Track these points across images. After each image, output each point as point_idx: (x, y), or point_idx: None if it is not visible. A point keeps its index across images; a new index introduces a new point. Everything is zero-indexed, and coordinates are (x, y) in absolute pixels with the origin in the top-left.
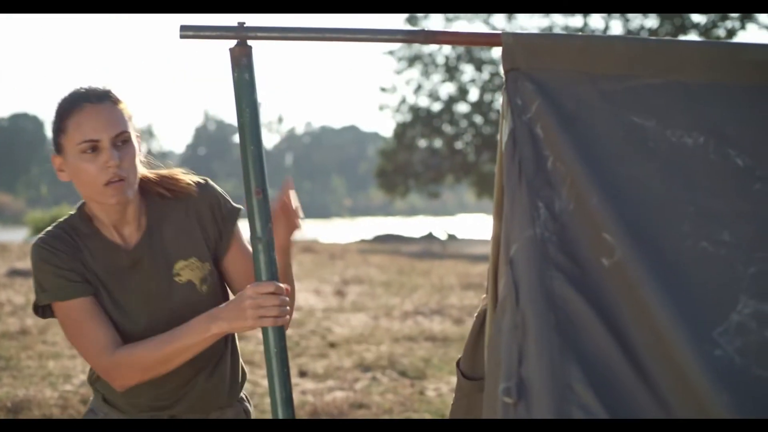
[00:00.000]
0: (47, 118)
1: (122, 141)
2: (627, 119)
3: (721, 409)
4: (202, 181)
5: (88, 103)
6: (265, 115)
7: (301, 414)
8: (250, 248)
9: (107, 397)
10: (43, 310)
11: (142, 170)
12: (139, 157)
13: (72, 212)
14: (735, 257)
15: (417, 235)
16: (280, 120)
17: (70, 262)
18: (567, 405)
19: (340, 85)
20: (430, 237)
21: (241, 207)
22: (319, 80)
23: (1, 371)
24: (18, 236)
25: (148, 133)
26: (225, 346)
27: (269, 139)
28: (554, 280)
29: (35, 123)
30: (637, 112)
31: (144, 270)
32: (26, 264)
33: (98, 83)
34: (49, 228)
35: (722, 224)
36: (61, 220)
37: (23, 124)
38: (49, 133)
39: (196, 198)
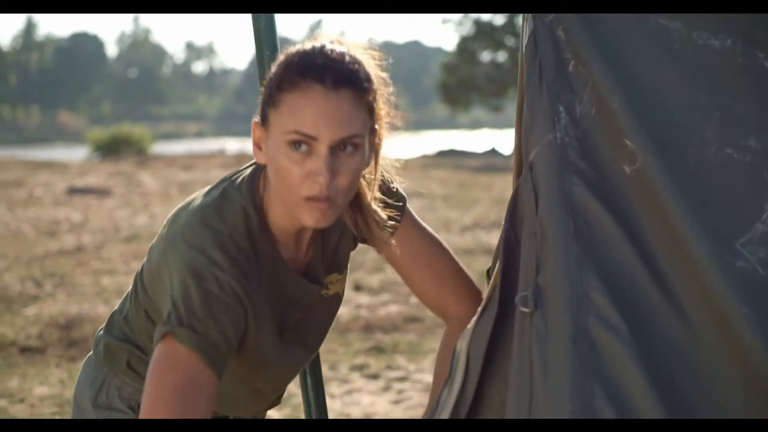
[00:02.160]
0: (107, 37)
1: (346, 147)
2: (651, 20)
3: (741, 321)
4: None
5: (320, 86)
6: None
7: (355, 327)
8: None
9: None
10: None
11: (361, 186)
12: (365, 169)
13: (242, 199)
14: (761, 164)
15: (479, 149)
16: (341, 36)
17: (238, 320)
18: (584, 315)
19: None
20: (493, 152)
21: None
22: None
23: (57, 288)
24: (78, 154)
25: (209, 50)
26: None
27: None
28: (574, 186)
29: (95, 42)
30: (662, 13)
31: (311, 302)
32: (84, 182)
33: (346, 47)
34: (220, 234)
35: (748, 129)
36: (232, 217)
37: (83, 43)
38: (109, 52)
39: None
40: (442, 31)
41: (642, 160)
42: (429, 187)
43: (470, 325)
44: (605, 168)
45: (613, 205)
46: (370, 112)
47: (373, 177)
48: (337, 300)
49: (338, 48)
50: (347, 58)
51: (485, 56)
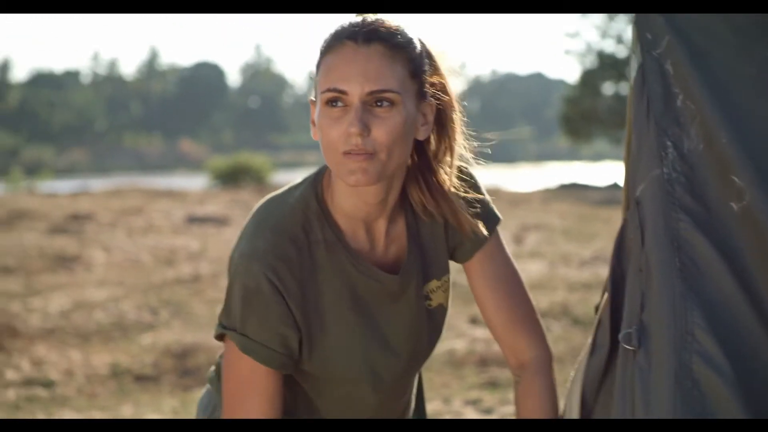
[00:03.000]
0: (228, 67)
1: (381, 102)
2: (760, 55)
3: None
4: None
5: (351, 42)
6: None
7: (469, 361)
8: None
9: None
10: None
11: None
12: (415, 133)
13: (304, 187)
14: None
15: (601, 183)
16: (463, 67)
17: (299, 305)
18: (687, 353)
19: (526, 31)
20: (614, 186)
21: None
22: (504, 27)
23: (172, 316)
24: (198, 183)
25: None
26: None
27: (453, 87)
28: (680, 222)
29: (216, 71)
30: None
31: (396, 297)
32: (203, 210)
33: (387, 17)
34: (272, 220)
35: None
36: (290, 203)
37: (205, 72)
38: (230, 81)
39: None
40: (564, 63)
41: (749, 197)
42: (549, 220)
43: (581, 362)
44: (712, 204)
45: (720, 241)
46: (413, 74)
47: (447, 161)
48: (442, 312)
49: (382, 18)
50: (386, 24)
51: (608, 88)
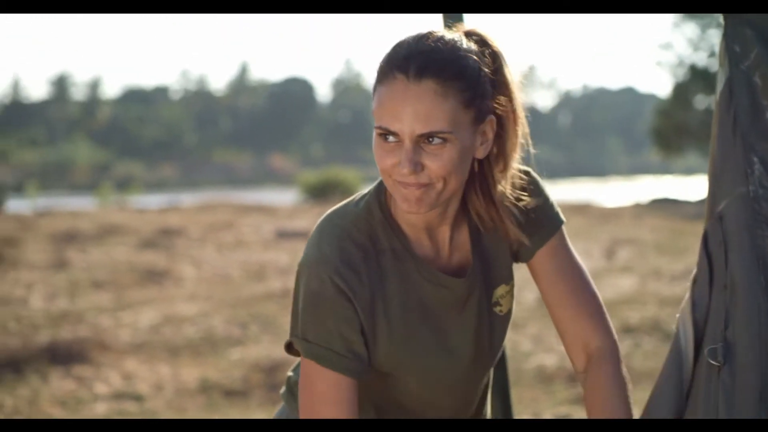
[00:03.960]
0: (316, 82)
1: (432, 139)
2: None
3: None
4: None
5: (402, 76)
6: (540, 77)
7: (559, 376)
8: (572, 277)
9: None
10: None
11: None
12: (474, 153)
13: (366, 205)
14: None
15: (693, 198)
16: (553, 81)
17: (366, 309)
18: None
19: (617, 45)
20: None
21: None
22: (595, 40)
23: (261, 331)
24: (288, 197)
25: None
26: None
27: (544, 100)
28: (767, 240)
29: (305, 86)
30: None
31: (469, 305)
32: (293, 225)
33: (442, 36)
34: (337, 228)
35: None
36: (354, 211)
37: (295, 87)
38: (319, 96)
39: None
40: (656, 78)
41: None
42: (640, 234)
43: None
44: None
45: None
46: (468, 102)
47: (502, 171)
48: (508, 318)
49: (441, 36)
50: (443, 47)
51: (700, 101)
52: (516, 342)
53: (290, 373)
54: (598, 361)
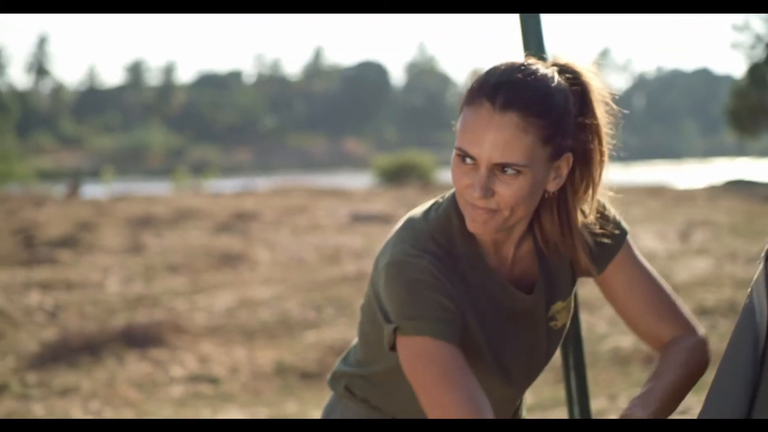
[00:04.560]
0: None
1: (506, 170)
2: None
3: None
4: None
5: (488, 104)
6: (614, 59)
7: (636, 359)
8: (642, 281)
9: (372, 401)
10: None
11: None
12: (545, 186)
13: (443, 211)
14: None
15: None
16: (628, 63)
17: (454, 296)
18: None
19: (691, 27)
20: None
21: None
22: (669, 22)
23: (336, 314)
24: (362, 181)
25: None
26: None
27: (618, 83)
28: None
29: (379, 70)
30: None
31: (531, 320)
32: (367, 208)
33: (549, 71)
34: (419, 232)
35: None
36: (428, 224)
37: (369, 71)
38: (393, 80)
39: None
40: (731, 59)
41: None
42: (716, 216)
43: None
44: None
45: None
46: (547, 139)
47: (587, 200)
48: (563, 331)
49: (534, 69)
50: (533, 82)
51: None
52: (592, 324)
53: (345, 368)
54: (673, 341)
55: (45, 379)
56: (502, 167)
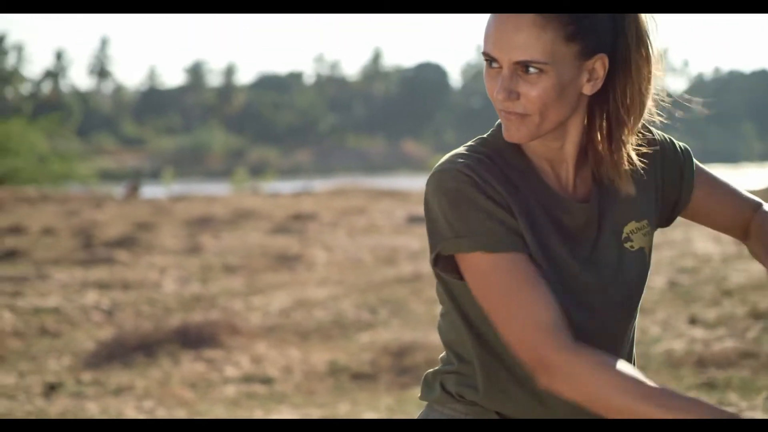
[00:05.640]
0: (449, 67)
1: (528, 69)
2: None
3: None
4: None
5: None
6: (672, 61)
7: (687, 362)
8: (714, 180)
9: (462, 392)
10: (444, 262)
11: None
12: (580, 89)
13: (485, 136)
14: None
15: None
16: (686, 64)
17: (505, 200)
18: None
19: (750, 27)
20: None
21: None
22: (726, 22)
23: (391, 315)
24: (419, 183)
25: None
26: None
27: (676, 84)
28: None
29: (438, 72)
30: None
31: (593, 233)
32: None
33: None
34: (461, 150)
35: None
36: (474, 142)
37: (427, 72)
38: (452, 81)
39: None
40: None
41: None
42: None
43: None
44: None
45: None
46: (570, 37)
47: (633, 112)
48: (644, 260)
49: None
50: None
51: None
52: (644, 327)
53: (443, 373)
54: (755, 217)
55: (100, 378)
56: (524, 67)
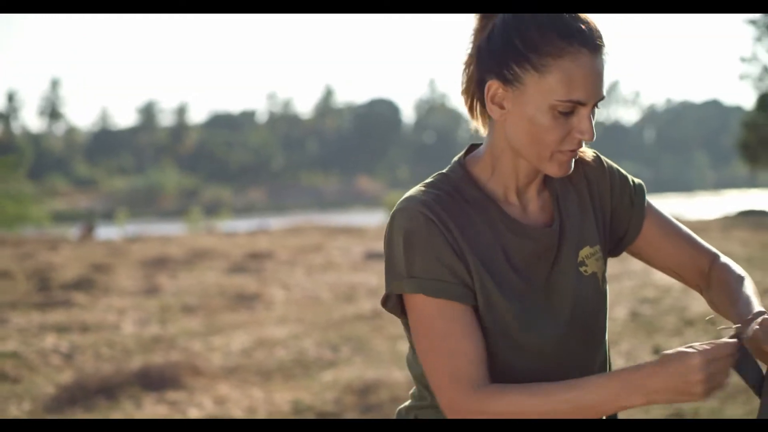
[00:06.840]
0: (401, 103)
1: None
2: None
3: None
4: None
5: (586, 50)
6: (623, 91)
7: None
8: (669, 220)
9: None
10: (395, 300)
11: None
12: None
13: (445, 171)
14: None
15: None
16: (637, 96)
17: (458, 242)
18: None
19: (700, 58)
20: None
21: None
22: (677, 54)
23: (353, 353)
24: (374, 219)
25: None
26: None
27: (628, 116)
28: None
29: (390, 107)
30: None
31: (552, 256)
32: (381, 246)
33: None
34: (421, 186)
35: None
36: (433, 178)
37: (380, 108)
38: (405, 118)
39: (589, 168)
40: (741, 89)
41: None
42: (730, 247)
43: None
44: None
45: None
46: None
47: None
48: (597, 286)
49: (585, 16)
50: (590, 19)
51: None
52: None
53: (417, 409)
54: (714, 267)
55: None
56: (599, 102)
